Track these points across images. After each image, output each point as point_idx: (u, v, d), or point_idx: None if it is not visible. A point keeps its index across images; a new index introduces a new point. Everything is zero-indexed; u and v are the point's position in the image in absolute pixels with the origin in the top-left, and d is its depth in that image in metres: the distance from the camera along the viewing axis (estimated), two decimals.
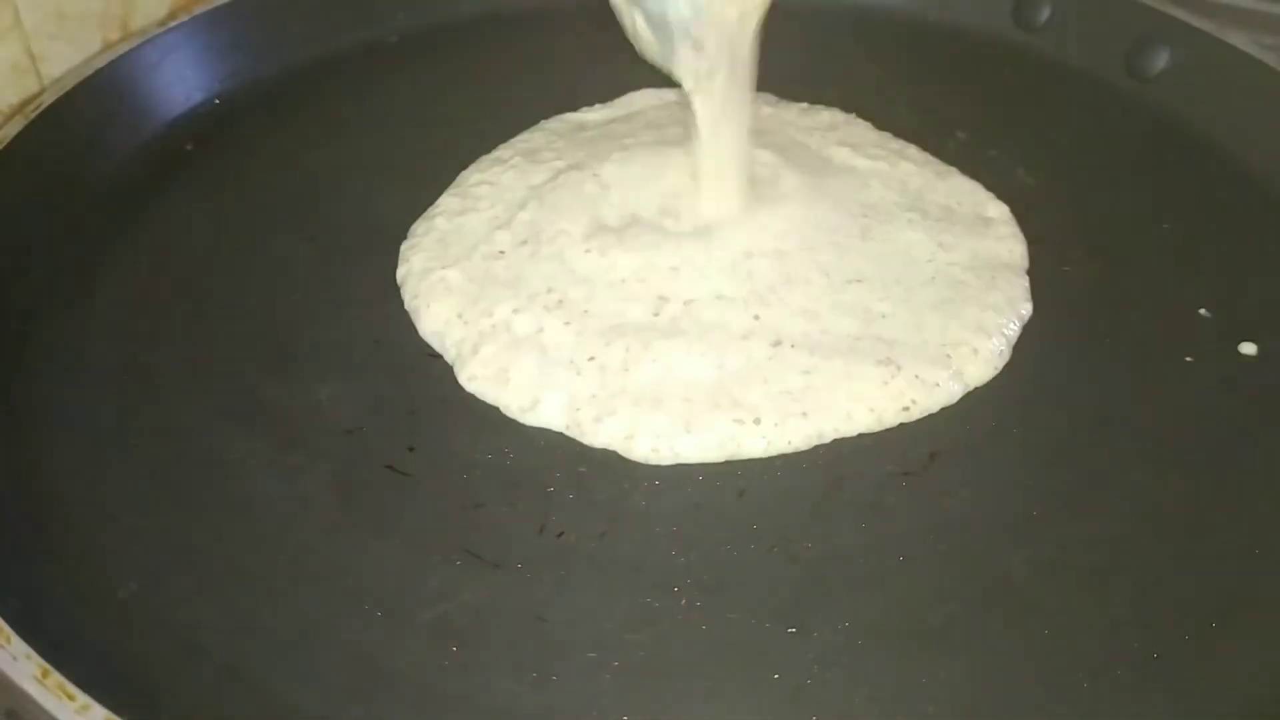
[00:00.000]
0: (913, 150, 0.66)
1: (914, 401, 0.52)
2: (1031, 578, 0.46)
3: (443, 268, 0.58)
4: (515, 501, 0.48)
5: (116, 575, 0.45)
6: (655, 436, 0.50)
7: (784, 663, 0.43)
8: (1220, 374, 0.55)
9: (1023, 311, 0.57)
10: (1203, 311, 0.57)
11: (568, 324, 0.54)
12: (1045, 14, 0.75)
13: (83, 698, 0.38)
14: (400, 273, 0.59)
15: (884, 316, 0.56)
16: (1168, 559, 0.47)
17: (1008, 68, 0.74)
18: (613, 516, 0.48)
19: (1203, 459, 0.51)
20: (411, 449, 0.50)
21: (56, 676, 0.38)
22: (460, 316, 0.56)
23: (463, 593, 0.45)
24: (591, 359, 0.53)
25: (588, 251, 0.57)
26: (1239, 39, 0.68)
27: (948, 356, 0.54)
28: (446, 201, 0.63)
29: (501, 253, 0.58)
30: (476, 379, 0.53)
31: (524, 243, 0.58)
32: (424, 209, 0.62)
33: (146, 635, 0.43)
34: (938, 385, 0.53)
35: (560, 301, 0.55)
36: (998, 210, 0.63)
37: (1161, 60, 0.70)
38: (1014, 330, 0.56)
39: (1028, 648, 0.44)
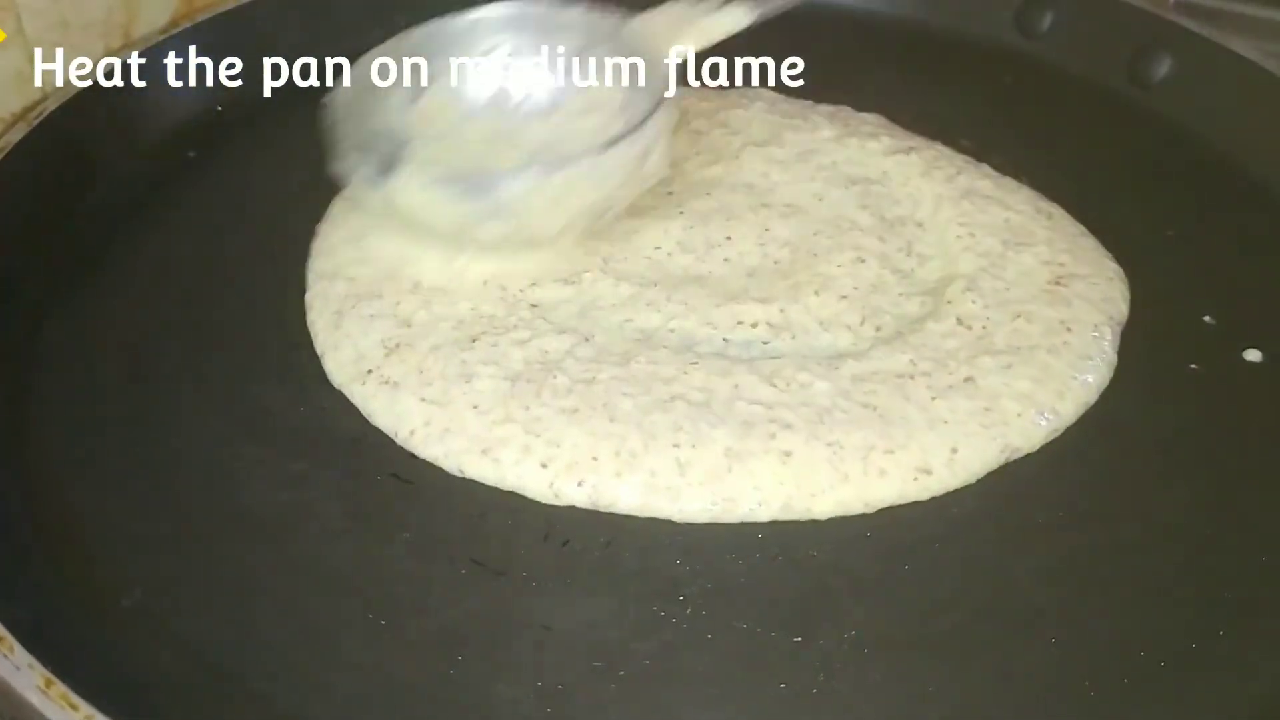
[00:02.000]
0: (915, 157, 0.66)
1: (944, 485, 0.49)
2: (1037, 586, 0.46)
3: (321, 353, 0.53)
4: (519, 510, 0.48)
5: (120, 584, 0.45)
6: (641, 499, 0.48)
7: (789, 671, 0.43)
8: (1225, 381, 0.55)
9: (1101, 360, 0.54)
10: (1207, 319, 0.57)
11: (528, 432, 0.49)
12: (1048, 21, 0.75)
13: (86, 708, 0.38)
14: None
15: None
16: (1173, 567, 0.47)
17: (1010, 75, 0.74)
18: (616, 525, 0.48)
19: (1208, 466, 0.51)
20: (415, 456, 0.50)
21: (60, 686, 0.38)
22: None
23: (467, 601, 0.45)
24: (545, 467, 0.48)
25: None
26: (1241, 46, 0.69)
27: (1008, 448, 0.50)
28: (314, 263, 0.58)
29: (369, 371, 0.52)
30: (432, 455, 0.49)
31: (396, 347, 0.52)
32: None
33: (150, 644, 0.43)
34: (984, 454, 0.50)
35: (508, 417, 0.49)
36: None
37: (1164, 67, 0.70)
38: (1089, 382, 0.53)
39: (1033, 656, 0.44)
